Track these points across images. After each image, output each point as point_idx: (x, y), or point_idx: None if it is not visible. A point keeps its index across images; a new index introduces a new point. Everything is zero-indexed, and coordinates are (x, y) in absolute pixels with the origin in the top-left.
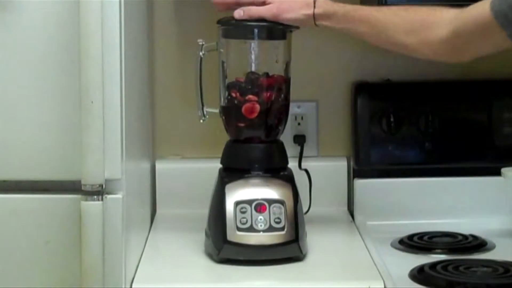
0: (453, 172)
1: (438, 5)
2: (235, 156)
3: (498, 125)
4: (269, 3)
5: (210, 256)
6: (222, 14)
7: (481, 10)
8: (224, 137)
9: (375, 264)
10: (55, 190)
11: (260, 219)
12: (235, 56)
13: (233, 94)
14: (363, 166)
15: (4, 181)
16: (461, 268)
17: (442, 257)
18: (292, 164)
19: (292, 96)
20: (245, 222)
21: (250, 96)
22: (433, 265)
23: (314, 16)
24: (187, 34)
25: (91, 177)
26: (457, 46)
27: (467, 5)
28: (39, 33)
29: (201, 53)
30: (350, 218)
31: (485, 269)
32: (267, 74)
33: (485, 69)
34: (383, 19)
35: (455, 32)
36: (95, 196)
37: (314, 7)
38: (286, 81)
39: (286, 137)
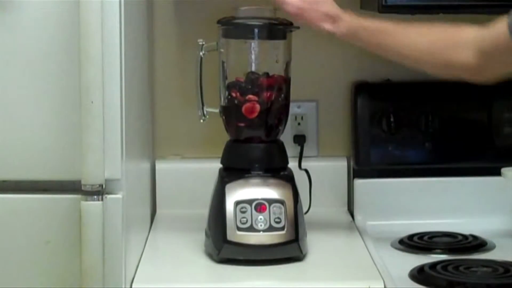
0: (453, 172)
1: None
2: (235, 156)
3: (498, 125)
4: None
5: (210, 256)
6: (222, 14)
7: (500, 31)
8: (224, 137)
9: (375, 264)
10: (55, 190)
11: (260, 219)
12: (235, 56)
13: (233, 94)
14: (363, 166)
15: (4, 181)
16: (461, 268)
17: (442, 257)
18: (292, 164)
19: (292, 96)
20: (245, 222)
21: (250, 96)
22: (433, 265)
23: (335, 34)
24: (187, 34)
25: (91, 177)
26: (480, 67)
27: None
28: (39, 33)
29: (201, 53)
30: (350, 218)
31: (485, 269)
32: (267, 74)
33: None
34: (406, 39)
35: (477, 54)
36: (95, 196)
37: (338, 24)
38: (286, 81)
39: (286, 137)
